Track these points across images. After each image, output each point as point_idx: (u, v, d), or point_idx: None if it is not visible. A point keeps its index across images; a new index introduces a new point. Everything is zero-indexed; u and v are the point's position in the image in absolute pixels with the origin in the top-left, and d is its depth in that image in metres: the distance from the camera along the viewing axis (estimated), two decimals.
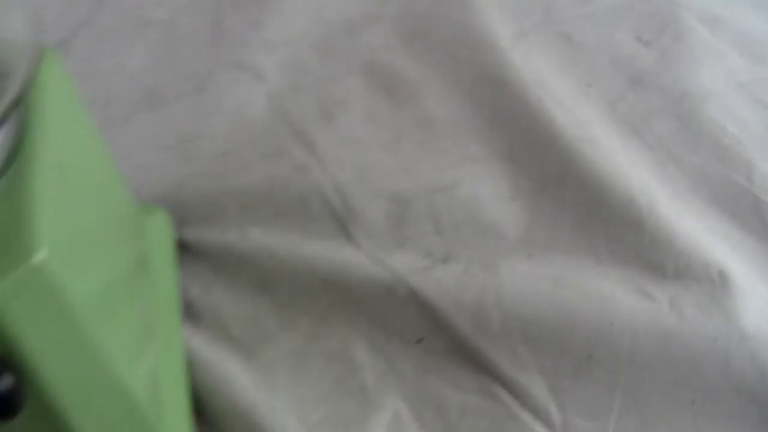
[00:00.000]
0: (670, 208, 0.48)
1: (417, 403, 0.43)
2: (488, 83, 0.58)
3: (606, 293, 0.45)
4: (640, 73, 0.59)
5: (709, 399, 0.41)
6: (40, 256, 0.30)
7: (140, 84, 0.62)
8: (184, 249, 0.52)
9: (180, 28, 0.68)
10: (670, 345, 0.42)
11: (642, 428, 0.41)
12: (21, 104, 0.32)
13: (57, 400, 0.33)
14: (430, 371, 0.44)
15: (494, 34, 0.62)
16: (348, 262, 0.49)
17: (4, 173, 0.32)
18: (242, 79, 0.63)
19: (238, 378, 0.44)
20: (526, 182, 0.52)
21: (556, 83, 0.57)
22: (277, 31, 0.66)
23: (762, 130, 0.54)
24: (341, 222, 0.52)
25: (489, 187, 0.52)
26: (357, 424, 0.42)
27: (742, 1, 0.65)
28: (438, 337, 0.45)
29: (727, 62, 0.59)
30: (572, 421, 0.41)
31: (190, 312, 0.49)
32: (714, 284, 0.44)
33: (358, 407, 0.43)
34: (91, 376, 0.35)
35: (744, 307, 0.43)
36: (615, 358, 0.43)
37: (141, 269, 0.44)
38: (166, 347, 0.45)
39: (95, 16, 0.67)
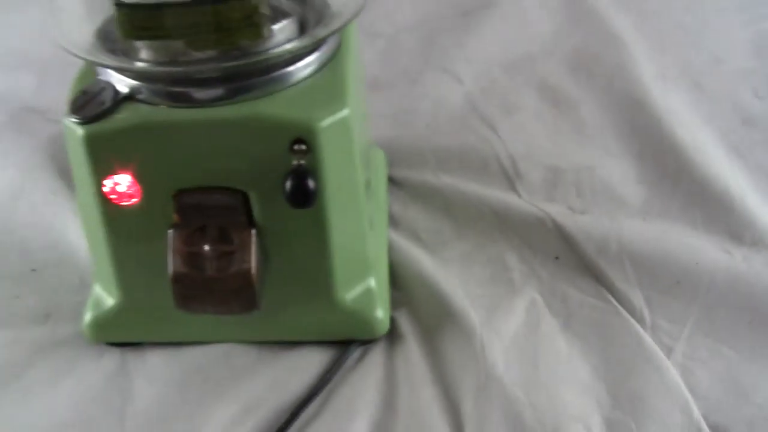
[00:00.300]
0: (754, 201, 0.65)
1: (548, 296, 0.61)
2: (630, 105, 0.77)
3: (697, 245, 0.62)
4: (752, 117, 0.76)
5: (763, 320, 0.57)
6: (346, 112, 0.51)
7: (369, 74, 0.84)
8: (392, 181, 0.72)
9: (401, 40, 0.90)
10: (738, 282, 0.59)
11: (710, 332, 0.57)
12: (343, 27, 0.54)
13: (329, 208, 0.53)
14: (561, 278, 0.62)
15: (640, 73, 0.81)
16: (511, 202, 0.68)
17: (330, 61, 0.54)
18: (445, 80, 0.84)
19: (423, 261, 0.63)
20: (649, 173, 0.71)
21: (682, 113, 0.76)
22: (475, 52, 0.87)
23: None
24: (510, 179, 0.71)
25: (620, 172, 0.71)
26: (505, 302, 0.61)
27: None
28: (570, 256, 0.64)
29: None
30: (657, 322, 0.58)
31: (392, 221, 0.69)
32: None
33: (506, 293, 0.62)
34: (350, 203, 0.55)
35: None
36: (695, 286, 0.60)
37: (368, 183, 0.64)
38: (379, 235, 0.65)
39: None
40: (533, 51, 0.89)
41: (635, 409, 0.53)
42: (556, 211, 0.66)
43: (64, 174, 0.75)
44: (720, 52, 0.86)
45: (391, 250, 0.65)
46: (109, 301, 0.59)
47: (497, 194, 0.69)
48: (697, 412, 0.52)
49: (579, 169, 0.71)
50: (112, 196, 0.53)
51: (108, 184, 0.53)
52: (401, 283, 0.63)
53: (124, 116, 0.51)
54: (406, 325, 0.59)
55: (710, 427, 0.51)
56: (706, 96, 0.80)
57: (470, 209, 0.68)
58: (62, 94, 0.83)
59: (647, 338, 0.57)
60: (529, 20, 0.94)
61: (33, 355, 0.60)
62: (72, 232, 0.69)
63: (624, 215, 0.67)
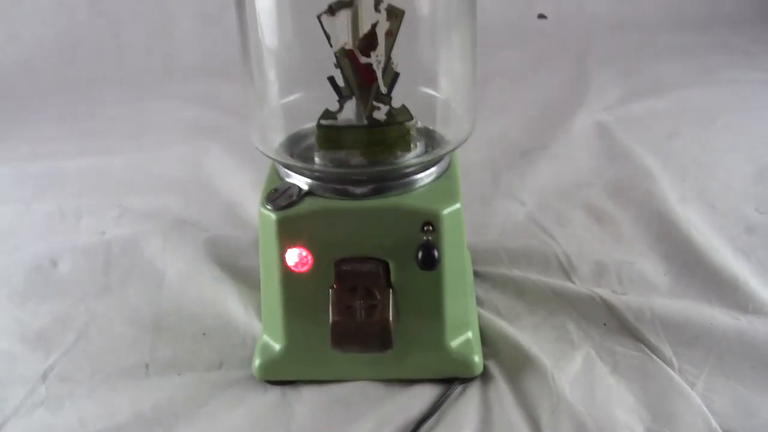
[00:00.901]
0: (755, 283, 0.87)
1: (599, 350, 0.82)
2: (658, 220, 1.00)
3: (711, 313, 0.83)
4: (754, 227, 0.99)
5: (763, 364, 0.78)
6: (458, 205, 0.74)
7: None
8: (476, 273, 0.94)
9: (473, 173, 1.14)
10: (743, 337, 0.80)
11: (722, 373, 0.77)
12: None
13: (445, 273, 0.75)
14: (609, 338, 0.83)
15: (666, 197, 1.04)
16: (568, 287, 0.90)
17: (445, 173, 0.77)
18: (511, 202, 1.08)
19: (504, 326, 0.85)
20: (674, 268, 0.92)
21: (699, 224, 0.98)
22: (533, 182, 1.11)
23: None
24: (566, 272, 0.93)
25: (651, 267, 0.93)
26: (567, 354, 0.81)
27: None
28: (614, 323, 0.84)
29: None
30: (683, 366, 0.79)
31: (479, 302, 0.91)
32: None
33: (568, 348, 0.82)
34: (458, 271, 0.77)
35: None
36: (711, 340, 0.80)
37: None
38: (472, 305, 0.87)
39: None
40: (579, 181, 1.13)
41: (669, 421, 0.72)
42: (603, 292, 0.88)
43: (222, 265, 0.98)
44: (729, 181, 1.10)
45: (480, 319, 0.86)
46: (276, 347, 0.80)
47: (557, 282, 0.91)
48: (715, 423, 0.71)
49: (619, 264, 0.94)
50: (291, 265, 0.76)
51: (289, 256, 0.75)
52: (488, 341, 0.84)
53: (305, 206, 0.74)
54: (494, 368, 0.80)
55: None
56: (718, 213, 1.02)
57: (537, 292, 0.90)
58: (205, 210, 1.09)
59: (676, 376, 0.77)
60: (575, 158, 1.19)
61: (213, 391, 0.81)
62: (232, 306, 0.91)
63: (655, 295, 0.88)
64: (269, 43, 0.77)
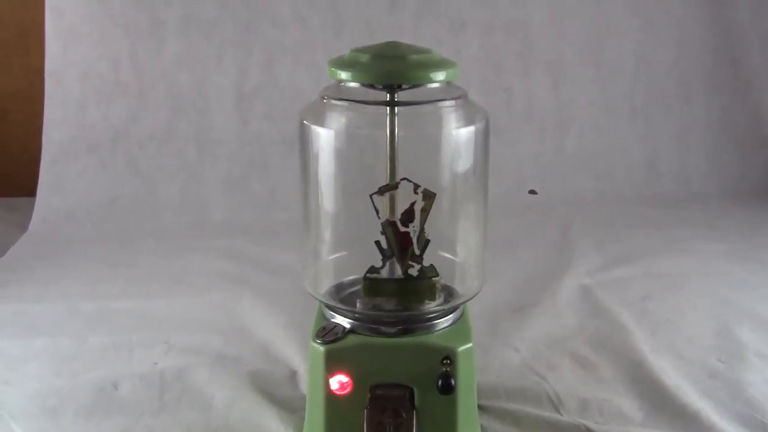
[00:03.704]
0: (715, 418, 1.05)
1: None
2: (632, 365, 1.19)
3: None
4: (716, 373, 1.17)
5: None
6: (471, 345, 0.94)
7: None
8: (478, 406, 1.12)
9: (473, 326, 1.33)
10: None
11: None
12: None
13: (459, 397, 0.93)
14: None
15: (641, 348, 1.24)
16: (558, 418, 1.07)
17: (459, 320, 0.97)
18: (507, 350, 1.26)
19: None
20: (646, 406, 1.10)
21: (668, 370, 1.17)
22: (526, 333, 1.30)
23: None
24: (555, 406, 1.11)
25: (627, 404, 1.11)
26: None
27: None
28: None
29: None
30: None
31: (481, 428, 1.08)
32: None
33: None
34: (470, 398, 0.95)
35: None
36: None
37: None
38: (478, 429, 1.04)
39: None
40: (566, 334, 1.32)
41: None
42: (587, 422, 1.06)
43: (263, 393, 1.15)
44: (694, 336, 1.29)
45: None
46: None
47: (548, 413, 1.09)
48: None
49: (600, 401, 1.11)
50: (334, 389, 0.93)
51: (333, 382, 0.93)
52: None
53: (348, 342, 0.93)
54: None
55: None
56: (685, 361, 1.21)
57: (531, 422, 1.07)
58: (242, 348, 1.27)
59: None
60: (562, 315, 1.38)
61: None
62: (273, 426, 1.07)
63: (630, 426, 1.06)
64: (326, 210, 0.97)
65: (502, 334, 1.33)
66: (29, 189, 2.01)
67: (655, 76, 2.13)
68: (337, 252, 1.02)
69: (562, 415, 1.09)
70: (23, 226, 1.92)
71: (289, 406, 1.12)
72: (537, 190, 2.04)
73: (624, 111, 2.12)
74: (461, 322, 0.97)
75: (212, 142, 2.01)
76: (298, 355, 1.24)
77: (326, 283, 1.01)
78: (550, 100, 2.09)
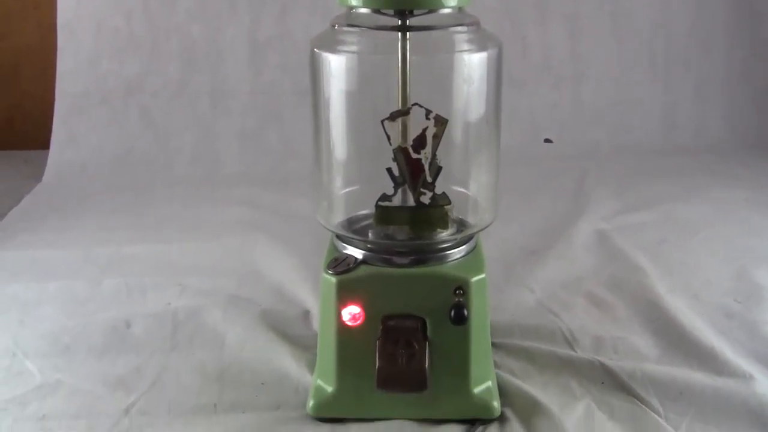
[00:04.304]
0: (731, 355, 1.04)
1: (598, 402, 0.97)
2: (648, 305, 1.18)
3: (693, 375, 1.00)
4: (732, 313, 1.16)
5: (735, 412, 0.94)
6: (484, 275, 0.92)
7: None
8: (492, 344, 1.11)
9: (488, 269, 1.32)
10: (719, 392, 0.96)
11: (702, 420, 0.92)
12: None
13: (472, 328, 0.92)
14: (606, 393, 0.99)
15: (656, 289, 1.22)
16: (571, 355, 1.06)
17: (472, 251, 0.95)
18: (522, 290, 1.25)
19: (517, 382, 1.01)
20: (662, 342, 1.09)
21: (685, 311, 1.16)
22: (541, 275, 1.29)
23: None
24: (569, 343, 1.10)
25: (643, 341, 1.10)
26: (571, 405, 0.97)
27: None
28: (611, 382, 1.00)
29: None
30: (669, 415, 0.94)
31: (495, 366, 1.07)
32: (745, 378, 0.99)
33: (571, 400, 0.98)
34: (483, 328, 0.94)
35: None
36: (692, 394, 0.96)
37: None
38: (491, 365, 1.03)
39: None
40: (581, 275, 1.31)
41: None
42: (601, 358, 1.05)
43: (275, 331, 1.14)
44: (710, 278, 1.28)
45: (497, 377, 1.02)
46: (329, 389, 0.96)
47: (562, 350, 1.08)
48: None
49: (615, 339, 1.10)
50: (346, 320, 0.93)
51: (345, 313, 0.92)
52: (505, 393, 0.99)
53: (359, 272, 0.92)
54: (509, 413, 0.96)
55: None
56: (701, 302, 1.20)
57: (545, 358, 1.06)
58: (256, 290, 1.26)
59: (663, 422, 0.93)
60: (577, 258, 1.37)
61: (274, 426, 0.95)
62: (286, 362, 1.07)
63: (645, 362, 1.05)
64: (337, 140, 0.96)
65: (517, 275, 1.32)
66: (44, 142, 2.01)
67: (674, 28, 2.10)
68: (349, 186, 1.01)
69: (576, 352, 1.08)
70: (38, 179, 1.92)
71: (302, 343, 1.11)
72: (553, 139, 2.02)
73: (642, 64, 2.09)
74: (474, 254, 0.96)
75: (226, 94, 2.00)
76: (312, 296, 1.23)
77: (338, 216, 1.00)
78: (567, 51, 2.06)
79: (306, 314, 1.20)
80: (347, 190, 1.01)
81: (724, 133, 2.09)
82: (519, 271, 1.33)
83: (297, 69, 1.97)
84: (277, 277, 1.33)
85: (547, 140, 2.02)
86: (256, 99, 2.00)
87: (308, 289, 1.26)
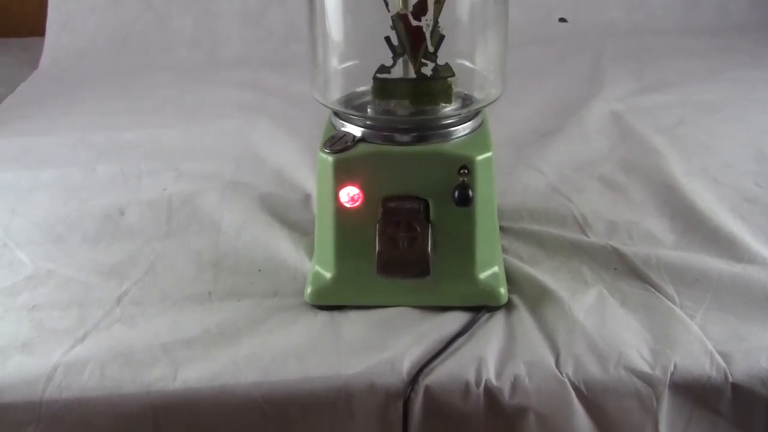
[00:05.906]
0: (750, 240, 0.98)
1: (610, 289, 0.92)
2: (665, 189, 1.12)
3: (710, 261, 0.95)
4: (753, 198, 1.10)
5: (753, 300, 0.89)
6: (490, 153, 0.87)
7: None
8: (501, 228, 1.06)
9: (497, 152, 1.26)
10: (737, 279, 0.91)
11: (718, 308, 0.88)
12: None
13: (477, 210, 0.87)
14: (619, 279, 0.94)
15: (672, 171, 1.16)
16: (583, 238, 1.01)
17: (478, 128, 0.89)
18: (532, 172, 1.20)
19: (526, 268, 0.96)
20: (678, 227, 1.04)
21: (702, 193, 1.10)
22: (552, 157, 1.23)
23: None
24: (581, 227, 1.05)
25: (658, 226, 1.04)
26: (582, 291, 0.93)
27: None
28: (624, 267, 0.96)
29: None
30: (684, 302, 0.89)
31: (503, 251, 1.02)
32: (766, 265, 0.94)
33: (582, 287, 0.94)
34: (489, 210, 0.89)
35: None
36: (709, 281, 0.92)
37: None
38: (499, 249, 0.98)
39: None
40: (594, 157, 1.25)
41: (670, 344, 0.84)
42: (614, 243, 1.00)
43: (274, 216, 1.10)
44: (730, 160, 1.21)
45: (505, 262, 0.98)
46: (327, 275, 0.92)
47: (573, 235, 1.03)
48: (710, 346, 0.83)
49: (629, 223, 1.05)
50: (344, 202, 0.87)
51: (342, 194, 0.87)
52: (512, 280, 0.95)
53: (358, 150, 0.86)
54: (517, 300, 0.91)
55: (719, 353, 0.82)
56: (720, 185, 1.14)
57: (555, 243, 1.01)
58: (255, 174, 1.21)
59: (677, 310, 0.88)
60: (591, 139, 1.31)
61: (270, 313, 0.91)
62: (284, 248, 1.03)
63: (662, 247, 1.00)
64: (333, 14, 0.89)
65: (526, 158, 1.26)
66: (40, 29, 1.93)
67: None
68: (347, 61, 0.94)
69: (588, 236, 1.03)
70: (35, 66, 1.86)
71: (301, 227, 1.07)
72: (567, 18, 1.93)
73: None
74: (480, 132, 0.90)
75: None
76: (313, 179, 1.18)
77: (336, 93, 0.93)
78: None
79: (307, 198, 1.15)
80: (345, 65, 0.94)
81: (747, 11, 1.99)
82: (529, 153, 1.27)
83: None
84: (277, 161, 1.28)
85: (561, 19, 1.92)
86: None
87: (309, 173, 1.21)
